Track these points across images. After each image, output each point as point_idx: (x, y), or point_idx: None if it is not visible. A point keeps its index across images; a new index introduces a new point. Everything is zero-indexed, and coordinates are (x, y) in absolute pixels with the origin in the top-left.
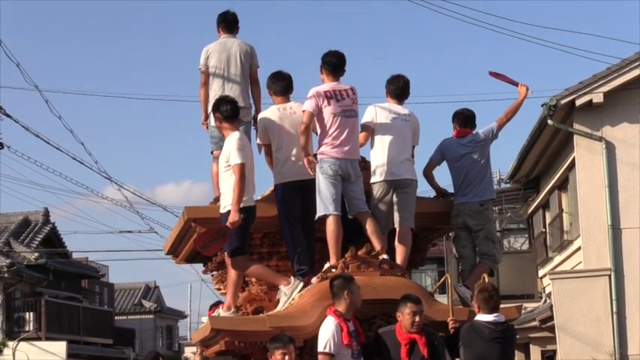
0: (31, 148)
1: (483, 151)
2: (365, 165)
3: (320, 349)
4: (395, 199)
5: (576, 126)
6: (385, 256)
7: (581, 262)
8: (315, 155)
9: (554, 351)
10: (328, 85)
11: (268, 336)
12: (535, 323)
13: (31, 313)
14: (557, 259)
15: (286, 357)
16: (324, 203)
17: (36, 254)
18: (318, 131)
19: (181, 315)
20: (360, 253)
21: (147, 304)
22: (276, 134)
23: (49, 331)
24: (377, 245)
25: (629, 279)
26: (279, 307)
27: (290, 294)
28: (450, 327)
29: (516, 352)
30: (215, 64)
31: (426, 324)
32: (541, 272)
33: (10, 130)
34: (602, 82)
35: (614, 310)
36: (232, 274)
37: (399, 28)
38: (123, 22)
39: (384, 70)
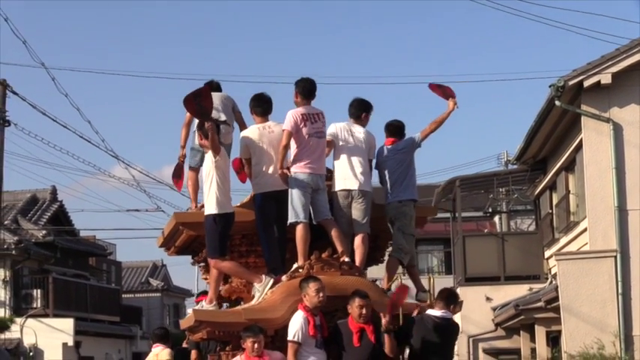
0: (38, 126)
1: (405, 158)
2: (329, 175)
3: (289, 337)
4: (353, 206)
5: (584, 107)
6: (346, 259)
7: (587, 244)
8: (288, 169)
9: (559, 332)
10: (304, 108)
11: (244, 326)
12: (540, 304)
13: (39, 290)
14: (564, 240)
15: (256, 345)
16: (296, 211)
17: (44, 232)
18: (294, 148)
19: (188, 293)
20: (323, 255)
21: (154, 282)
22: (256, 150)
23: (56, 308)
24: (339, 248)
25: (634, 260)
26: (253, 302)
27: (262, 290)
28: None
29: (522, 332)
30: None
31: (379, 316)
32: (547, 253)
33: (16, 108)
34: (610, 63)
35: (620, 291)
36: (213, 272)
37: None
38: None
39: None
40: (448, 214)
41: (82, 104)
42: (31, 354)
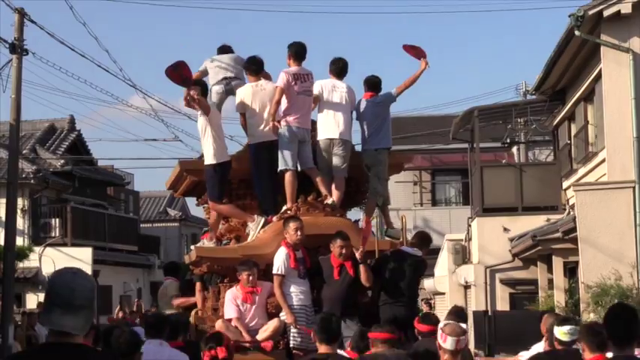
0: (56, 55)
1: (381, 111)
2: (313, 126)
3: (274, 271)
4: (334, 153)
5: (603, 37)
6: (329, 201)
7: (605, 174)
8: (279, 122)
9: (577, 262)
10: (295, 68)
11: (239, 261)
12: (558, 235)
13: (57, 220)
14: (582, 170)
15: (250, 277)
16: (285, 160)
17: (62, 161)
18: (284, 103)
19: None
20: (309, 199)
21: (172, 212)
22: (250, 105)
23: (74, 238)
24: (323, 192)
25: None
26: (248, 240)
27: (255, 229)
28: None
29: (539, 263)
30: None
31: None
32: (565, 184)
33: (34, 36)
34: None
35: (637, 222)
36: (213, 213)
37: None
38: None
39: None
40: (466, 145)
41: (100, 33)
42: None
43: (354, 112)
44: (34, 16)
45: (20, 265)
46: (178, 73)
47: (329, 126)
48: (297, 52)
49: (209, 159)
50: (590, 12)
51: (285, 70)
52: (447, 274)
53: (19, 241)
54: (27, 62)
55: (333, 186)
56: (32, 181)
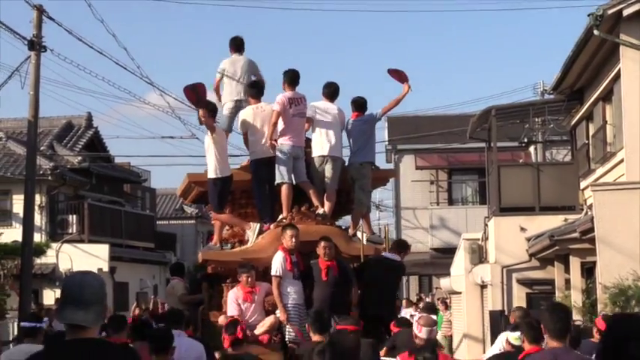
0: (74, 52)
1: (366, 129)
2: (308, 144)
3: (272, 273)
4: (326, 168)
5: (623, 37)
6: (320, 211)
7: (623, 175)
8: (276, 140)
9: (594, 263)
10: (290, 93)
11: (239, 264)
12: (575, 235)
13: (74, 216)
14: (600, 170)
15: (249, 278)
16: (281, 174)
17: (79, 158)
18: (281, 124)
19: None
20: (302, 209)
21: (188, 209)
22: (251, 126)
23: (91, 234)
24: (315, 203)
25: None
26: (248, 245)
27: (253, 235)
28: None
29: (556, 263)
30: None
31: (345, 257)
32: (583, 184)
33: (53, 33)
34: None
35: None
36: (217, 222)
37: None
38: None
39: None
40: (483, 144)
41: (118, 31)
42: None
43: (344, 132)
44: (52, 13)
45: (37, 261)
46: (195, 93)
47: (322, 144)
48: (292, 78)
49: (211, 173)
50: (610, 11)
51: (282, 94)
52: (463, 274)
53: (37, 238)
54: (45, 59)
55: (325, 197)
56: (50, 178)
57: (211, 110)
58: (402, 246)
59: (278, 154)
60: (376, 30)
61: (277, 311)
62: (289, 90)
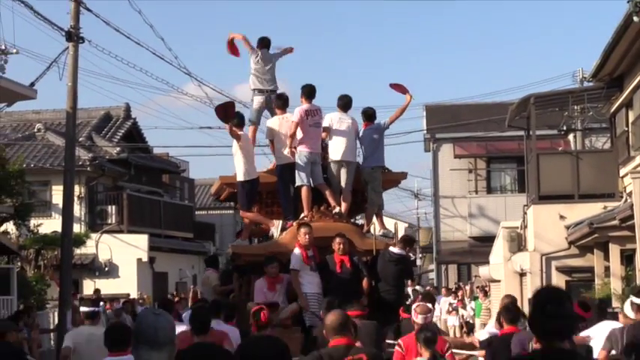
0: (112, 43)
1: (376, 137)
2: (326, 150)
3: (291, 267)
4: (341, 172)
5: None
6: (337, 210)
7: None
8: (295, 148)
9: (634, 250)
10: (307, 105)
11: (265, 257)
12: (615, 222)
13: (113, 207)
14: (639, 158)
15: (273, 270)
16: (301, 177)
17: (117, 149)
18: (299, 134)
19: None
20: (321, 208)
21: None
22: (277, 134)
23: (130, 224)
24: (332, 203)
25: None
26: (273, 240)
27: (276, 231)
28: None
29: (596, 250)
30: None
31: (359, 251)
32: (622, 171)
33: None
34: None
35: None
36: (245, 219)
37: None
38: None
39: None
40: (522, 132)
41: (155, 21)
42: (106, 269)
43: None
44: (90, 4)
45: (77, 251)
46: (224, 110)
47: (337, 150)
48: (309, 92)
49: (239, 176)
50: None
51: (299, 107)
52: (502, 262)
53: (76, 228)
54: (83, 50)
55: (342, 198)
56: (88, 169)
57: (237, 125)
58: (407, 242)
59: (297, 160)
60: (418, 18)
61: (298, 299)
62: (306, 102)
